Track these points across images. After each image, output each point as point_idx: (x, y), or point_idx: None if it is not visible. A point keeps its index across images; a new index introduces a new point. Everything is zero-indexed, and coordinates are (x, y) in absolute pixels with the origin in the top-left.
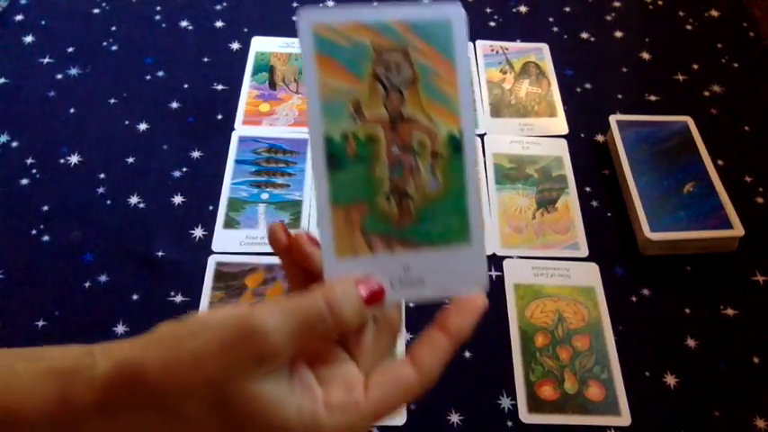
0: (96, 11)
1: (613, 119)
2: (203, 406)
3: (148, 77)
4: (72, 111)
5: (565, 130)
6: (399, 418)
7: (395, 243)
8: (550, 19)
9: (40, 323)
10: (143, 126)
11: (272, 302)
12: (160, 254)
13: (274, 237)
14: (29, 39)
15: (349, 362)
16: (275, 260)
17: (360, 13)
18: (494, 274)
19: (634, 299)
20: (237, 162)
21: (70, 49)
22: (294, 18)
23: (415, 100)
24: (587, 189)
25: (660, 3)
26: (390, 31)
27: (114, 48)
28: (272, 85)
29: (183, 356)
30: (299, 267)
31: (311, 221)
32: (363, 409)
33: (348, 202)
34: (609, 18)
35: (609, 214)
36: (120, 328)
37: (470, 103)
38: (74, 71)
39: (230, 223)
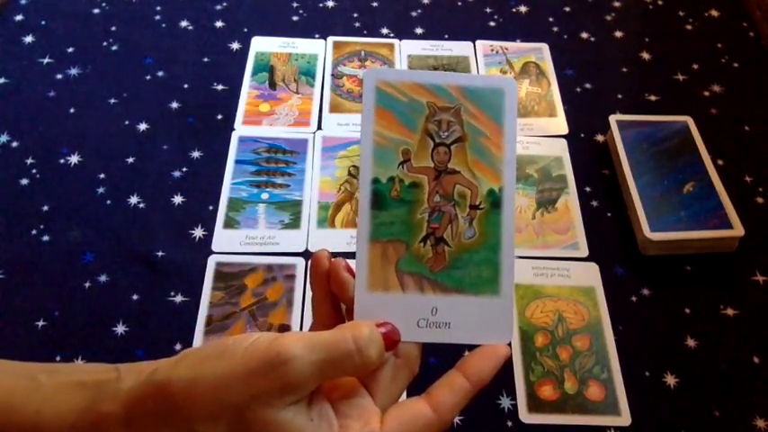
0: (96, 11)
1: (613, 119)
2: (223, 428)
3: (148, 77)
4: (72, 111)
5: (565, 130)
6: None
7: (426, 285)
8: (550, 19)
9: (40, 323)
10: (143, 126)
11: (301, 334)
12: (160, 254)
13: (318, 261)
14: (29, 39)
15: (366, 396)
16: (275, 260)
17: (421, 75)
18: None
19: (634, 299)
20: (237, 162)
21: (70, 49)
22: (294, 18)
23: (461, 156)
24: (587, 189)
25: (660, 3)
26: (446, 93)
27: (114, 48)
28: (272, 85)
29: (209, 378)
30: (328, 299)
31: (311, 222)
32: None
33: (386, 239)
34: (609, 18)
35: (609, 214)
36: (120, 328)
37: (513, 165)
38: (74, 71)
39: (230, 223)
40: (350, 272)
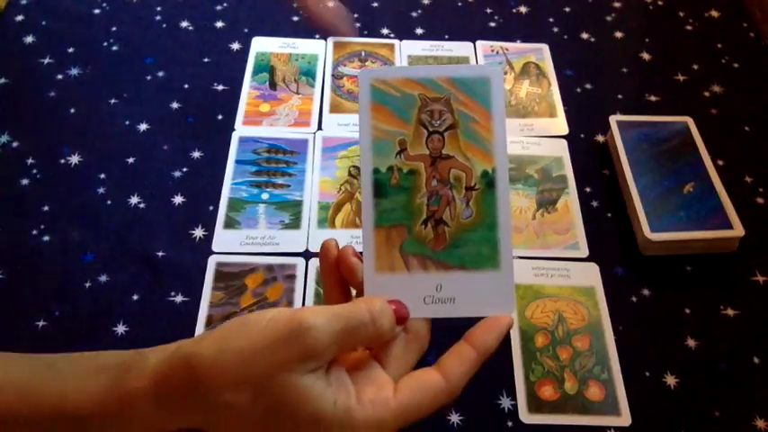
0: (96, 11)
1: (613, 119)
2: (249, 397)
3: (148, 77)
4: (72, 111)
5: (565, 130)
6: None
7: (429, 264)
8: (550, 19)
9: (40, 323)
10: (143, 126)
11: (320, 307)
12: (160, 254)
13: (327, 249)
14: (29, 39)
15: (378, 367)
16: (275, 260)
17: (411, 70)
18: None
19: (634, 299)
20: (237, 162)
21: (70, 50)
22: (295, 19)
23: (454, 142)
24: (587, 189)
25: (660, 3)
26: (436, 85)
27: (114, 48)
28: (273, 86)
29: (235, 350)
30: (339, 284)
31: (311, 222)
32: (393, 406)
33: (389, 224)
34: (609, 18)
35: (609, 214)
36: (120, 328)
37: (504, 146)
38: (74, 71)
39: (230, 223)
40: (357, 257)
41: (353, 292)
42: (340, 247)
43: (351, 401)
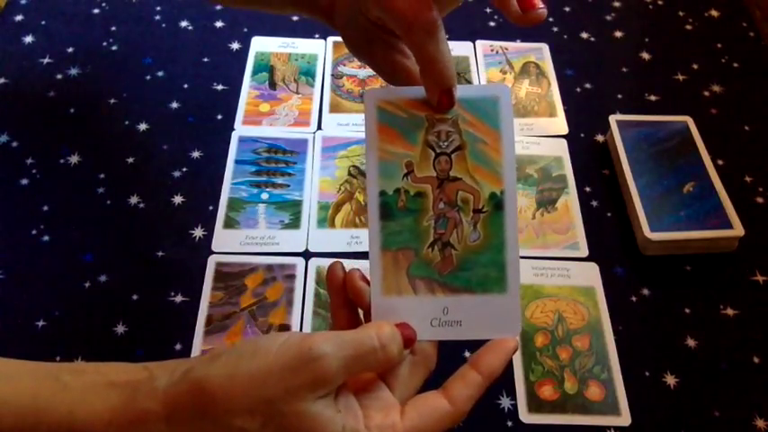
0: (96, 11)
1: (613, 119)
2: (259, 421)
3: (148, 77)
4: (72, 111)
5: (565, 130)
6: None
7: (436, 287)
8: (550, 19)
9: (40, 323)
10: (143, 126)
11: (330, 333)
12: (160, 254)
13: (334, 272)
14: (29, 39)
15: (386, 390)
16: (275, 260)
17: (417, 91)
18: None
19: (634, 299)
20: (237, 162)
21: (70, 49)
22: (294, 18)
23: (461, 163)
24: (587, 189)
25: (660, 3)
26: None
27: (114, 48)
28: (272, 85)
29: (245, 374)
30: (346, 306)
31: (311, 222)
32: (399, 431)
33: (396, 247)
34: (609, 18)
35: (609, 214)
36: (120, 328)
37: (513, 168)
38: (74, 71)
39: (230, 223)
40: (365, 281)
41: (361, 312)
42: (348, 271)
43: (359, 427)
